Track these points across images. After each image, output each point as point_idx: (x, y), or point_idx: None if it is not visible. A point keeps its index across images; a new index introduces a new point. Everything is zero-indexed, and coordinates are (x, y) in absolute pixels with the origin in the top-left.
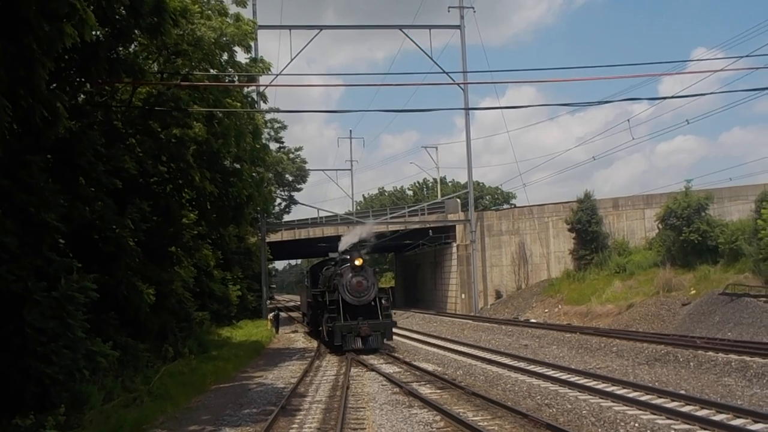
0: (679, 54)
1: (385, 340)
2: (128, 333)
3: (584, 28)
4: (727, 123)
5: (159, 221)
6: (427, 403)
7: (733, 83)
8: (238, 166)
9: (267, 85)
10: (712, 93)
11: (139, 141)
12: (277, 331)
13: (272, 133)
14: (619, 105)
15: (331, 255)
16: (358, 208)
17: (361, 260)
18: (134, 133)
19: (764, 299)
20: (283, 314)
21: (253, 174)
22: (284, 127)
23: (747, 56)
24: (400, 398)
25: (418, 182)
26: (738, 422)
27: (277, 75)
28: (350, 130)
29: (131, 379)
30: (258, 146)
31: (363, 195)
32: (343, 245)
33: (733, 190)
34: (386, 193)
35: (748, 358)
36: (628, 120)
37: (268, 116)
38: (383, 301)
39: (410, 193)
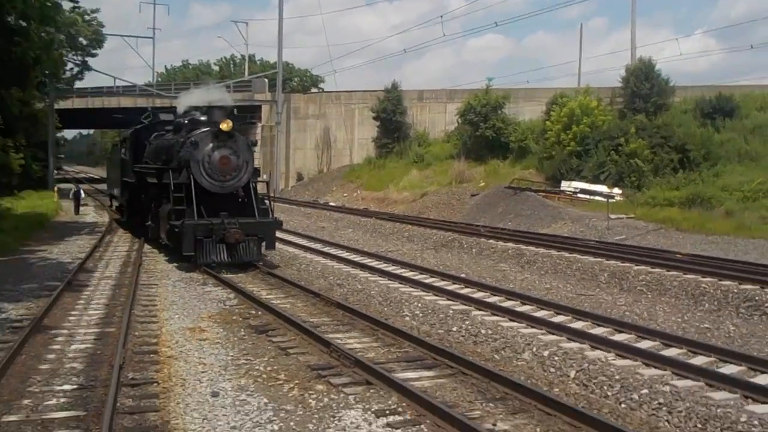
0: None
1: (264, 249)
2: None
3: None
4: (534, 25)
5: None
6: (221, 281)
7: None
8: (24, 24)
9: None
10: None
11: None
12: (77, 212)
13: None
14: None
15: (164, 117)
16: (159, 79)
17: (229, 123)
18: None
19: (543, 194)
20: (70, 185)
21: (42, 34)
22: None
23: None
24: (194, 276)
25: (226, 58)
26: (508, 304)
27: None
28: None
29: None
30: (48, 4)
31: (165, 66)
32: (187, 101)
33: (528, 91)
34: (191, 67)
35: (523, 247)
36: (441, 16)
37: None
38: (259, 191)
39: (216, 68)
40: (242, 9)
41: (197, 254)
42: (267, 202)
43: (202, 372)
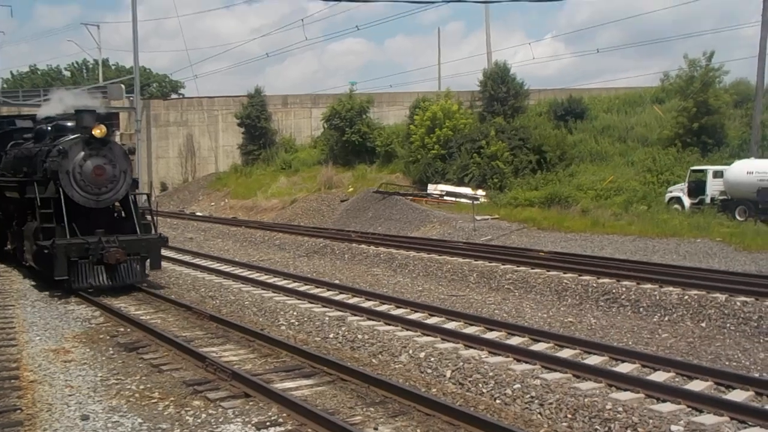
0: None
1: (148, 269)
2: None
3: None
4: (394, 29)
5: None
6: (84, 298)
7: None
8: None
9: None
10: (378, 0)
11: None
12: None
13: None
14: (295, 1)
15: (21, 123)
16: (5, 86)
17: (103, 129)
18: None
19: (411, 197)
20: None
21: None
22: None
23: None
24: (55, 294)
25: (77, 62)
26: (383, 308)
27: None
28: None
29: None
30: None
31: (11, 72)
32: (53, 108)
33: (391, 95)
34: (39, 72)
35: (394, 251)
36: (302, 20)
37: None
38: (138, 204)
39: (68, 74)
40: (92, 11)
41: (72, 278)
42: (148, 216)
43: (70, 395)
